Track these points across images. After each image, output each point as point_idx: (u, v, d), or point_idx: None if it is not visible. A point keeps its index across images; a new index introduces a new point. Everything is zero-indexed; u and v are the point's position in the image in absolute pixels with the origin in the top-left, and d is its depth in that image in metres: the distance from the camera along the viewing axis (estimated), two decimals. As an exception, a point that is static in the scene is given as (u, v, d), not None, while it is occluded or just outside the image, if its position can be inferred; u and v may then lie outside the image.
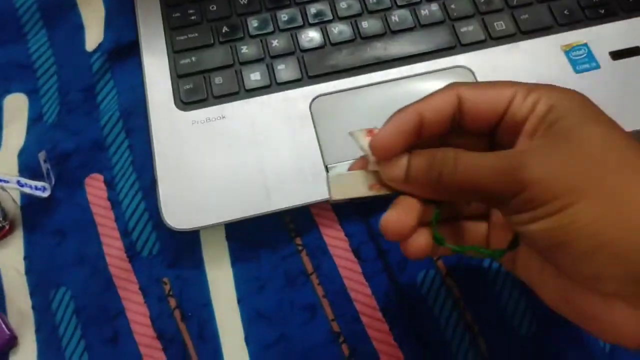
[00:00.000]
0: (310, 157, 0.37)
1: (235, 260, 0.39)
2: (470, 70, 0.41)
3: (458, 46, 0.41)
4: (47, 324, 0.38)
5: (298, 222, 0.40)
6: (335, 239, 0.40)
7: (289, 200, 0.36)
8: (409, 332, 0.37)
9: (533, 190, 0.21)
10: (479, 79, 0.41)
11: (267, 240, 0.40)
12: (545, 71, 0.41)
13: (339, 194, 0.24)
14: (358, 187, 0.24)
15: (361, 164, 0.26)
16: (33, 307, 0.39)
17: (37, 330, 0.38)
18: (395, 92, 0.40)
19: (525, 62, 0.41)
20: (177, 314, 0.38)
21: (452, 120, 0.24)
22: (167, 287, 0.39)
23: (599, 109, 0.23)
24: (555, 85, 0.24)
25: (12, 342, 0.37)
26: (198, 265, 0.39)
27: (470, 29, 0.42)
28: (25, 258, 0.40)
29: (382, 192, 0.25)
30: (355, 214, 0.40)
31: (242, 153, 0.37)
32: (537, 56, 0.41)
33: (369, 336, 0.37)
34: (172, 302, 0.38)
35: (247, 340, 0.37)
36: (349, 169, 0.26)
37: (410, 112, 0.24)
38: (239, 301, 0.38)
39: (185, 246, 0.40)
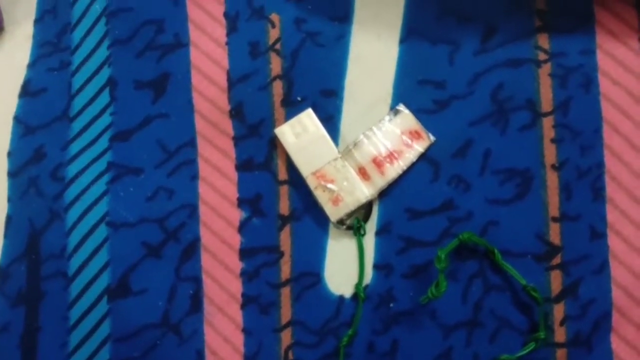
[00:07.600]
0: None
1: (408, 36, 0.20)
2: None
3: None
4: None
5: (557, 5, 0.20)
6: (617, 64, 0.19)
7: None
8: None
9: None
10: None
11: (493, 22, 0.20)
12: None
13: None
14: None
15: None
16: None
17: (38, 20, 0.21)
18: None
19: None
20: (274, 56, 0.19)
21: None
22: (274, 33, 0.20)
23: None
24: None
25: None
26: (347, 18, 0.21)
27: None
28: None
29: None
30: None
31: None
32: None
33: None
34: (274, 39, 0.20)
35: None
36: None
37: None
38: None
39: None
